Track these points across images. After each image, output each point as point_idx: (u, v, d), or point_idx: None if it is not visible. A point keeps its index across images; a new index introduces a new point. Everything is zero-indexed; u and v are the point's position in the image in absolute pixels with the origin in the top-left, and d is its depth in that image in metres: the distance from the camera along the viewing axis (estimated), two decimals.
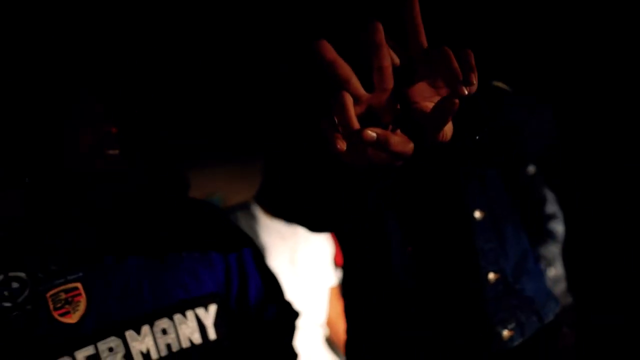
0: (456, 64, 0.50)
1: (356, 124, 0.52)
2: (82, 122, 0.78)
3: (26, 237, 0.78)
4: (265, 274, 0.98)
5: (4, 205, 0.78)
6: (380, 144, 0.52)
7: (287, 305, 1.00)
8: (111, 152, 0.79)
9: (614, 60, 1.77)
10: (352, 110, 0.52)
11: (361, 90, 0.54)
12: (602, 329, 1.80)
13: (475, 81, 0.49)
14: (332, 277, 1.71)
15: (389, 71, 0.53)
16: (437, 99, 0.53)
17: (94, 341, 0.76)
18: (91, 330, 0.76)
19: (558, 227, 1.72)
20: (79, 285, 0.77)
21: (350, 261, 1.03)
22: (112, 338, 0.77)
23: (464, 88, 0.49)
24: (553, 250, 1.72)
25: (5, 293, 0.74)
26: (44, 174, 0.78)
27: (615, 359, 1.79)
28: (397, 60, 0.54)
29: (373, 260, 0.95)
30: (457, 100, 0.49)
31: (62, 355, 0.73)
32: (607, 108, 1.83)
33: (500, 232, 0.93)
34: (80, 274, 0.78)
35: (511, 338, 0.90)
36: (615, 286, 1.87)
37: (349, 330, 1.03)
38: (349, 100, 0.52)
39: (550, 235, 1.72)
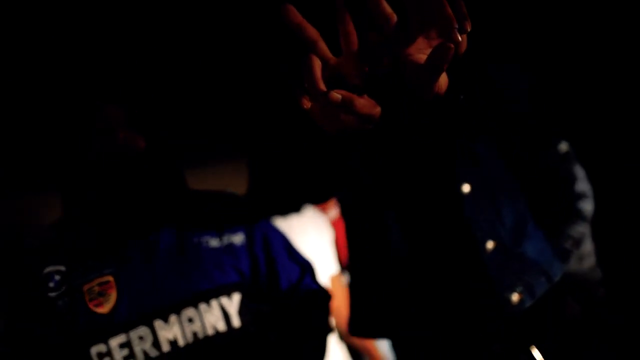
0: (450, 11, 0.50)
1: (322, 86, 0.55)
2: (103, 127, 0.83)
3: (65, 234, 0.85)
4: (294, 258, 1.01)
5: (44, 209, 0.90)
6: (346, 105, 0.54)
7: (319, 287, 1.02)
8: (126, 152, 0.84)
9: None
10: (318, 72, 0.55)
11: (328, 54, 0.57)
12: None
13: (469, 28, 0.49)
14: (333, 265, 1.69)
15: (354, 35, 0.56)
16: (429, 50, 0.53)
17: (125, 330, 0.81)
18: (122, 320, 0.82)
19: (587, 206, 1.69)
20: (111, 278, 0.83)
21: (353, 249, 1.03)
22: (142, 327, 0.83)
23: (458, 34, 0.49)
24: (580, 229, 1.68)
25: (49, 285, 0.81)
26: (72, 176, 0.85)
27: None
28: (393, 18, 0.54)
29: (373, 243, 0.97)
30: (452, 46, 0.49)
31: (97, 343, 0.80)
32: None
33: (494, 201, 0.93)
34: (113, 268, 0.84)
35: (522, 301, 0.90)
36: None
37: (352, 312, 1.04)
38: (317, 62, 0.55)
39: (578, 215, 1.68)
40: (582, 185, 1.68)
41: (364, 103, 0.56)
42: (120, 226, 0.86)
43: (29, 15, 0.96)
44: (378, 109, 0.58)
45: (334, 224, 1.72)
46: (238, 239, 0.96)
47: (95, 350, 0.80)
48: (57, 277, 0.81)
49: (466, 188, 0.90)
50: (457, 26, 0.49)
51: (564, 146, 1.68)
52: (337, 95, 0.54)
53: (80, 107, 0.83)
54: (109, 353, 0.80)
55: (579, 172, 1.67)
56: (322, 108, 0.57)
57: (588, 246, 1.72)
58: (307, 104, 0.56)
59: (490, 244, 0.91)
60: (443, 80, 0.57)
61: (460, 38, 0.49)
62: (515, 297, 0.90)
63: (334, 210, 1.75)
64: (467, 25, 0.49)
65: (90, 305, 0.81)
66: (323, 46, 0.56)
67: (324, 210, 1.73)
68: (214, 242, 0.93)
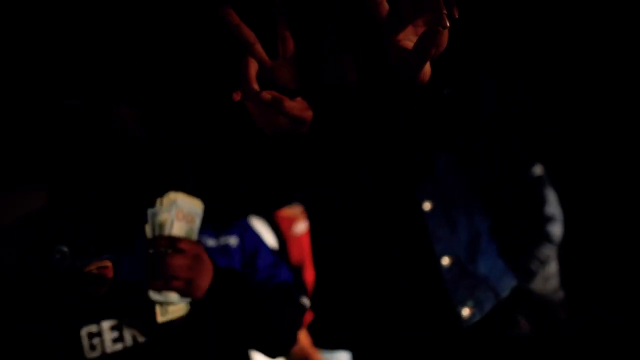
0: None
1: (255, 86, 0.59)
2: (121, 125, 0.89)
3: (72, 218, 0.90)
4: (276, 270, 1.04)
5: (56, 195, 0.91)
6: (276, 106, 0.58)
7: (296, 302, 1.04)
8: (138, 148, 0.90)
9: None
10: (252, 73, 0.60)
11: (264, 57, 0.61)
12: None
13: (456, 15, 0.53)
14: None
15: (290, 41, 0.61)
16: (416, 38, 0.57)
17: (118, 313, 0.85)
18: (116, 304, 0.86)
19: (554, 229, 1.71)
20: (109, 264, 0.86)
21: (320, 260, 1.06)
22: (134, 312, 0.87)
23: (446, 20, 0.52)
24: (546, 252, 1.71)
25: (49, 262, 0.85)
26: (88, 168, 0.89)
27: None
28: (385, 4, 0.57)
29: (343, 254, 0.99)
30: (440, 29, 0.52)
31: (89, 323, 0.84)
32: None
33: (452, 217, 0.96)
34: (113, 255, 0.88)
35: (472, 315, 0.94)
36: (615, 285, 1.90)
37: (317, 323, 1.07)
38: (252, 63, 0.60)
39: (546, 237, 1.70)
40: (552, 208, 1.70)
41: (293, 105, 0.60)
42: (124, 219, 0.91)
43: (40, 17, 1.04)
44: (309, 113, 0.63)
45: (300, 240, 1.67)
46: (233, 240, 1.00)
47: (86, 330, 0.83)
48: (60, 257, 0.85)
49: (427, 206, 0.93)
50: (446, 12, 0.51)
51: (538, 169, 1.71)
52: (267, 95, 0.58)
53: (94, 108, 0.88)
54: (99, 334, 0.84)
55: (551, 195, 1.71)
56: (256, 108, 0.62)
57: (552, 268, 1.77)
58: (236, 97, 0.59)
59: (446, 260, 0.94)
60: (427, 69, 0.60)
61: (448, 23, 0.51)
62: (466, 311, 0.93)
63: (301, 224, 1.71)
64: (455, 12, 0.52)
65: (87, 287, 0.85)
66: (259, 49, 0.61)
67: (289, 222, 1.69)
68: (210, 242, 0.97)
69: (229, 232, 1.00)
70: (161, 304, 0.80)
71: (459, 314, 0.92)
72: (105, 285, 0.86)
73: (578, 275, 1.89)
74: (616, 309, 1.87)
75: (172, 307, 0.81)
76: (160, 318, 0.80)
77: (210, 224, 0.98)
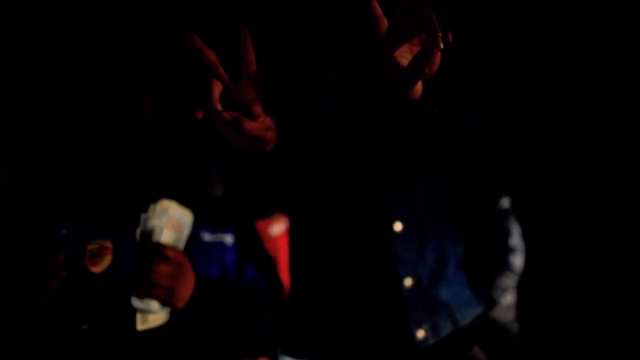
0: (436, 21, 0.56)
1: (217, 106, 0.62)
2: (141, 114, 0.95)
3: (79, 198, 0.94)
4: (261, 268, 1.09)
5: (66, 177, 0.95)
6: (236, 126, 0.62)
7: (278, 306, 1.08)
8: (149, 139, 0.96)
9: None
10: (215, 94, 0.62)
11: (226, 79, 0.64)
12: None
13: (451, 38, 0.55)
14: None
15: (253, 64, 0.63)
16: (411, 57, 0.59)
17: (111, 291, 0.87)
18: (110, 283, 0.88)
19: (516, 260, 1.81)
20: (110, 244, 0.90)
21: (297, 264, 1.08)
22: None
23: (440, 42, 0.53)
24: (507, 281, 1.81)
25: (54, 236, 0.87)
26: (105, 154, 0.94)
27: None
28: (384, 21, 0.60)
29: (306, 261, 1.02)
30: (435, 50, 0.54)
31: (86, 299, 0.87)
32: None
33: (421, 240, 0.98)
34: (113, 237, 0.91)
35: (425, 338, 0.96)
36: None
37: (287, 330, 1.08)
38: (215, 85, 0.63)
39: (508, 267, 1.80)
40: (514, 240, 1.80)
41: (253, 126, 0.64)
42: (127, 206, 0.94)
43: (51, 15, 1.08)
44: (271, 133, 0.67)
45: (277, 240, 1.70)
46: (229, 239, 1.03)
47: (80, 304, 0.87)
48: (64, 231, 0.88)
49: (398, 227, 0.95)
50: (441, 34, 0.53)
51: (505, 202, 1.81)
52: (227, 116, 0.62)
53: (113, 100, 0.93)
54: (92, 310, 0.87)
55: (514, 227, 1.81)
56: (219, 126, 0.65)
57: (511, 299, 1.83)
58: (199, 115, 0.63)
59: (408, 281, 0.95)
60: (419, 87, 0.64)
61: (442, 45, 0.53)
62: (420, 333, 0.96)
63: (278, 226, 1.73)
64: (449, 36, 0.54)
65: (87, 264, 0.88)
66: (221, 71, 0.64)
67: (266, 223, 1.70)
68: (207, 237, 1.00)
69: (226, 231, 1.03)
70: (142, 311, 0.84)
71: (413, 335, 0.95)
72: (104, 264, 0.89)
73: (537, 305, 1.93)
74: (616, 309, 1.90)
75: (152, 315, 0.85)
76: (140, 326, 0.84)
77: (209, 220, 1.01)
